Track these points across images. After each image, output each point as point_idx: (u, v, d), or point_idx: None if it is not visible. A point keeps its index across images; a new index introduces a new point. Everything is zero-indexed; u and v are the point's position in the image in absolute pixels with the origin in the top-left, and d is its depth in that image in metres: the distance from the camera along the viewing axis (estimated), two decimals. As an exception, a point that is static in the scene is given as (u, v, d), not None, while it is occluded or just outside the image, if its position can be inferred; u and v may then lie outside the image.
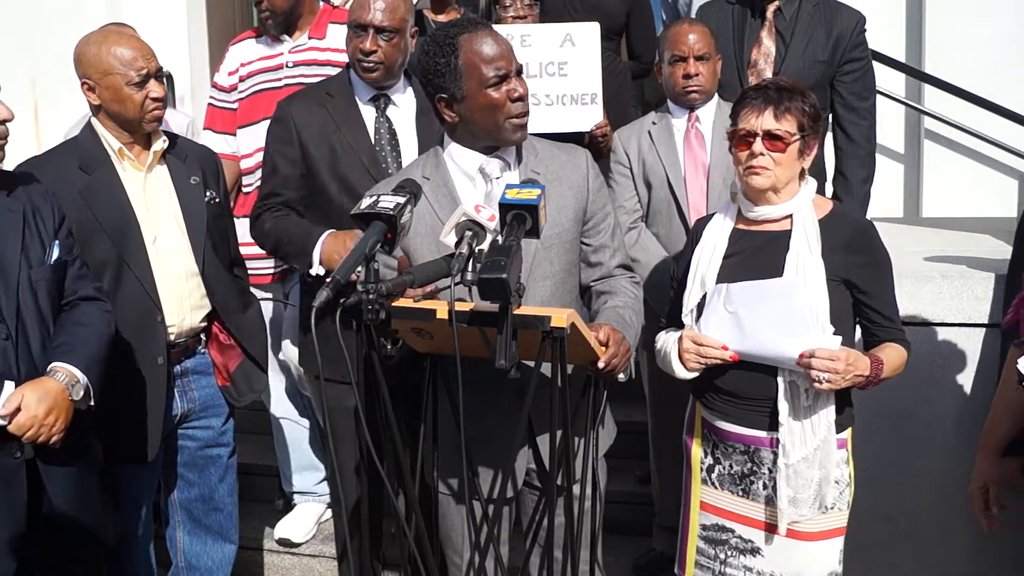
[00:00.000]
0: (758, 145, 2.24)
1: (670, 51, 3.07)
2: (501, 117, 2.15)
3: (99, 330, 2.34)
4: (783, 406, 2.23)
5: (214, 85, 3.55)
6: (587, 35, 3.39)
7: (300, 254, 2.74)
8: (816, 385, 2.17)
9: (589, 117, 3.39)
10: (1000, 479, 2.43)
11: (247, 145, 3.44)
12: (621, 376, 2.15)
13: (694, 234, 2.48)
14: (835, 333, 2.20)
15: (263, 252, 2.97)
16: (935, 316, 3.11)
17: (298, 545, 3.67)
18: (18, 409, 2.11)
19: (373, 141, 2.81)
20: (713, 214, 2.48)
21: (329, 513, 3.70)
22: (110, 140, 2.61)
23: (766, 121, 2.23)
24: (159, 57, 2.64)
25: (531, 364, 1.94)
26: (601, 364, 2.05)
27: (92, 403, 2.28)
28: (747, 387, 2.29)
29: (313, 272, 2.69)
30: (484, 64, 2.12)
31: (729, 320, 2.26)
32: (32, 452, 2.19)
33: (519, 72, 2.18)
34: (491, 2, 3.66)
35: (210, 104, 3.56)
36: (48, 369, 2.21)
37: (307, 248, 2.70)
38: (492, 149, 2.23)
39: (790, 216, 2.30)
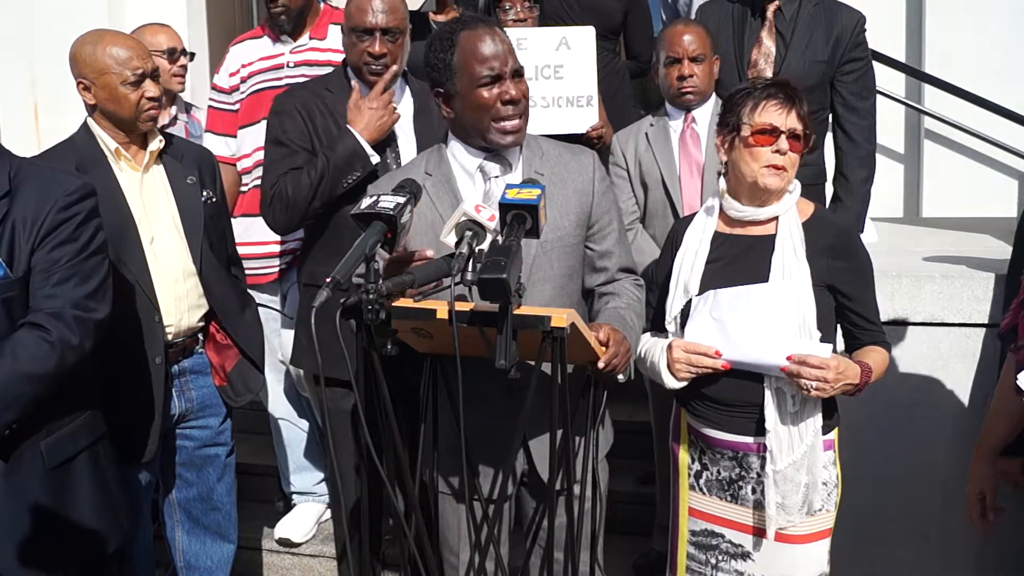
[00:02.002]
0: (784, 143, 2.17)
1: (665, 52, 3.07)
2: (487, 118, 2.12)
3: (18, 367, 2.07)
4: (770, 413, 2.19)
5: (214, 87, 3.53)
6: (582, 39, 3.41)
7: (343, 163, 2.67)
8: (804, 393, 2.14)
9: (585, 119, 3.41)
10: (999, 479, 2.43)
11: (247, 145, 3.43)
12: (620, 377, 2.14)
13: (673, 237, 2.42)
14: (822, 339, 2.17)
15: (261, 252, 2.95)
16: (935, 316, 3.10)
17: (298, 545, 3.66)
18: None
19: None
20: (692, 216, 2.42)
21: (329, 513, 3.69)
22: (106, 140, 2.60)
23: (791, 120, 2.18)
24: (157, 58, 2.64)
25: (531, 363, 1.93)
26: (601, 364, 2.04)
27: None
28: (733, 394, 2.25)
29: (374, 160, 2.67)
30: (477, 63, 2.10)
31: (714, 327, 2.22)
32: None
33: (517, 74, 2.14)
34: (491, 5, 3.66)
35: (210, 106, 3.55)
36: None
37: (338, 149, 2.65)
38: (491, 149, 2.21)
39: (775, 219, 2.26)
